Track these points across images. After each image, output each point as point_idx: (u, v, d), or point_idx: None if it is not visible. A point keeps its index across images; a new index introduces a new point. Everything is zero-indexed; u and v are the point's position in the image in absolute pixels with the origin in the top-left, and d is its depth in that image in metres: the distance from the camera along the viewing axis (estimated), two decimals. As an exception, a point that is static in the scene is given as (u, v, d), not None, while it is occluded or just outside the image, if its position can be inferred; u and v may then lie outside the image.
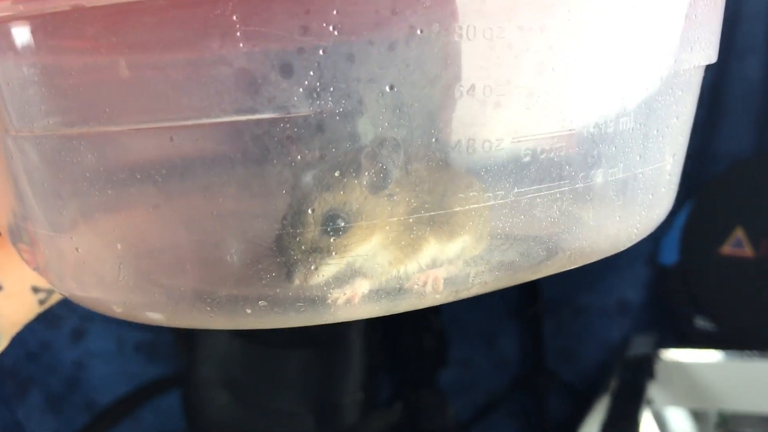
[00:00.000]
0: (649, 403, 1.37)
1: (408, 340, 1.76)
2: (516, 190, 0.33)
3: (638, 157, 0.37)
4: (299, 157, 0.30)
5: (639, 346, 1.52)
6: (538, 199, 0.34)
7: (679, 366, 1.41)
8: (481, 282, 0.35)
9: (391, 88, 0.28)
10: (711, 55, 0.40)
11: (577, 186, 0.35)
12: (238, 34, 0.27)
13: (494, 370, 1.82)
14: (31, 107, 0.32)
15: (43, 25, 0.30)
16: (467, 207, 0.33)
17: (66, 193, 0.35)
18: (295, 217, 0.32)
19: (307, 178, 0.32)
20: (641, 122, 0.36)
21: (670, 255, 1.58)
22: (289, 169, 0.31)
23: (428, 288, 0.35)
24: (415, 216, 0.33)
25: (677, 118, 0.39)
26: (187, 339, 1.71)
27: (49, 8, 0.29)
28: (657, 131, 0.38)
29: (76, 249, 0.36)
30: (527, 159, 0.33)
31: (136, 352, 1.86)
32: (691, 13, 0.37)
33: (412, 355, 1.77)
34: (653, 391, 1.39)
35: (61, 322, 1.81)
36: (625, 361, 1.47)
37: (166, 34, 0.29)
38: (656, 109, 0.37)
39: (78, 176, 0.34)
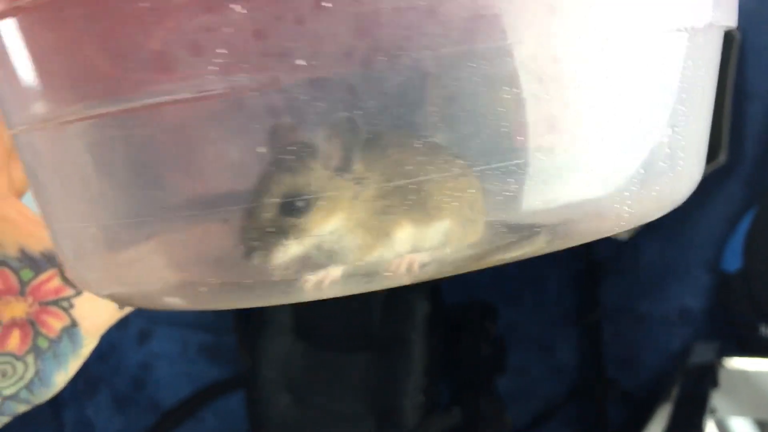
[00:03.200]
0: (713, 412, 1.34)
1: (466, 346, 1.75)
2: (484, 162, 0.33)
3: (617, 125, 0.35)
4: (223, 136, 0.31)
5: (701, 353, 1.48)
6: (498, 173, 0.33)
7: (743, 374, 1.38)
8: (437, 262, 0.35)
9: (305, 62, 0.29)
10: (717, 17, 0.37)
11: (537, 158, 0.33)
12: (150, 18, 0.28)
13: (552, 377, 1.79)
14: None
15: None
16: (430, 177, 0.33)
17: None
18: (254, 196, 0.33)
19: (262, 159, 0.32)
20: (616, 88, 0.34)
21: (733, 261, 1.54)
22: (243, 150, 0.32)
23: (402, 271, 0.35)
24: (377, 197, 0.33)
25: (670, 85, 0.37)
26: (249, 341, 1.73)
27: None
28: (641, 98, 0.36)
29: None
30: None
31: (199, 354, 1.90)
32: None
33: (470, 361, 1.75)
34: (717, 399, 1.35)
35: (127, 324, 1.86)
36: (687, 368, 1.44)
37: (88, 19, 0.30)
38: (637, 74, 0.35)
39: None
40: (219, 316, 1.91)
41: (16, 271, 0.48)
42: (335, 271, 0.34)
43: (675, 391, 1.37)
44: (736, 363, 1.39)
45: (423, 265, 0.34)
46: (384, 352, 1.66)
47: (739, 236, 1.53)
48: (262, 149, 0.31)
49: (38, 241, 0.48)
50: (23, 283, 0.48)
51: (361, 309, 1.68)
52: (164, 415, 1.77)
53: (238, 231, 0.33)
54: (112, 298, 0.39)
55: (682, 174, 0.39)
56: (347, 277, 0.34)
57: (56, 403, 1.81)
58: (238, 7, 0.28)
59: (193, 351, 1.90)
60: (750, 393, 1.36)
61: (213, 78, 0.29)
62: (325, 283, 0.34)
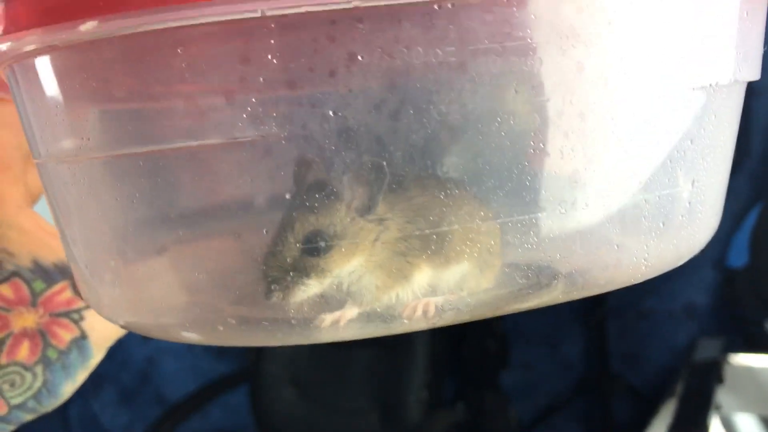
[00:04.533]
0: (718, 408, 1.34)
1: (471, 341, 1.75)
2: (506, 214, 0.33)
3: (637, 182, 0.35)
4: (251, 180, 0.31)
5: (706, 349, 1.48)
6: (519, 225, 0.33)
7: (749, 371, 1.38)
8: (453, 309, 0.35)
9: (335, 113, 0.29)
10: (741, 74, 0.37)
11: (559, 211, 0.33)
12: (183, 65, 0.28)
13: (558, 373, 1.79)
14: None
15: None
16: (452, 226, 0.33)
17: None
18: (278, 236, 0.33)
19: (287, 200, 0.32)
20: (638, 144, 0.34)
21: (739, 257, 1.53)
22: (268, 191, 0.32)
23: (418, 315, 0.35)
24: (398, 240, 0.33)
25: (692, 141, 0.36)
26: (254, 337, 1.73)
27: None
28: (663, 154, 0.36)
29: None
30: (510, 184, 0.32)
31: (204, 348, 1.89)
32: (704, 28, 0.34)
33: (474, 356, 1.76)
34: (722, 396, 1.35)
35: (133, 319, 1.85)
36: (693, 364, 1.44)
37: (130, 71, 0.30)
38: (660, 131, 0.35)
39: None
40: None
41: (28, 282, 0.48)
42: (351, 312, 0.34)
43: (680, 387, 1.37)
44: (742, 359, 1.39)
45: (440, 311, 0.34)
46: (388, 348, 1.66)
47: (745, 232, 1.52)
48: (289, 194, 0.32)
49: (51, 252, 0.49)
50: (35, 294, 0.48)
51: (366, 304, 1.68)
52: (170, 410, 1.77)
53: (260, 270, 0.34)
54: (129, 326, 0.39)
55: (700, 226, 0.39)
56: (364, 319, 0.34)
57: (62, 397, 1.81)
58: (272, 58, 0.28)
59: (198, 346, 1.89)
60: (755, 389, 1.36)
61: (244, 125, 0.29)
62: (342, 322, 0.34)
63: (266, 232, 0.33)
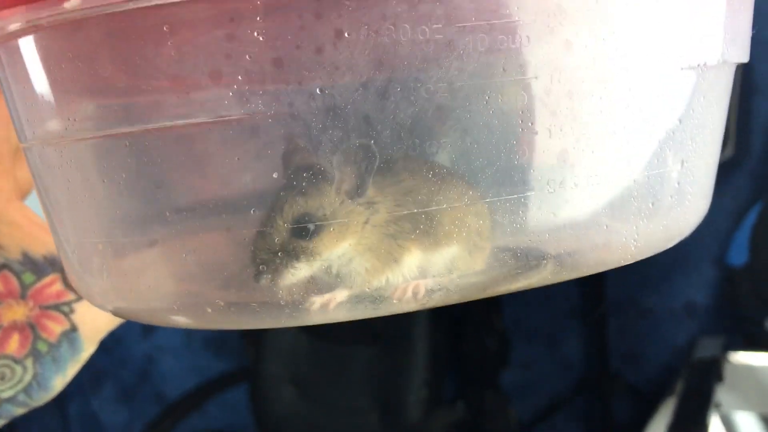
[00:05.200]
0: (717, 406, 1.34)
1: (471, 340, 1.75)
2: (495, 193, 0.33)
3: (625, 162, 0.35)
4: (237, 159, 0.31)
5: (706, 348, 1.48)
6: (507, 205, 0.33)
7: (748, 369, 1.37)
8: (443, 290, 0.35)
9: (321, 91, 0.29)
10: (729, 54, 0.37)
11: (547, 191, 0.33)
12: (169, 43, 0.28)
13: (558, 372, 1.79)
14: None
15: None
16: (441, 206, 0.33)
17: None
18: (267, 218, 0.33)
19: (275, 181, 0.32)
20: (627, 123, 0.34)
21: (739, 256, 1.53)
22: (256, 172, 0.32)
23: (407, 296, 0.35)
24: (388, 222, 0.33)
25: (680, 121, 0.36)
26: (253, 335, 1.74)
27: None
28: (651, 133, 0.36)
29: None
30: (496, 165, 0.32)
31: (204, 346, 1.90)
32: (692, 7, 0.34)
33: (474, 355, 1.76)
34: (721, 394, 1.35)
35: (132, 317, 1.86)
36: (692, 363, 1.44)
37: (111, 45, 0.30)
38: (648, 110, 0.35)
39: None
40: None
41: (18, 275, 0.48)
42: (341, 294, 0.34)
43: (680, 386, 1.36)
44: (741, 357, 1.39)
45: (429, 292, 0.34)
46: (388, 346, 1.66)
47: (745, 230, 1.52)
48: (276, 174, 0.31)
49: (41, 244, 0.49)
50: (24, 287, 0.48)
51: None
52: (169, 408, 1.78)
53: (248, 252, 0.33)
54: (118, 312, 0.39)
55: (689, 207, 0.39)
56: (353, 301, 0.34)
57: (61, 395, 1.81)
58: (258, 36, 0.28)
59: (197, 344, 1.90)
60: (755, 388, 1.36)
61: (230, 103, 0.29)
62: (331, 305, 0.34)
63: (254, 212, 0.32)
